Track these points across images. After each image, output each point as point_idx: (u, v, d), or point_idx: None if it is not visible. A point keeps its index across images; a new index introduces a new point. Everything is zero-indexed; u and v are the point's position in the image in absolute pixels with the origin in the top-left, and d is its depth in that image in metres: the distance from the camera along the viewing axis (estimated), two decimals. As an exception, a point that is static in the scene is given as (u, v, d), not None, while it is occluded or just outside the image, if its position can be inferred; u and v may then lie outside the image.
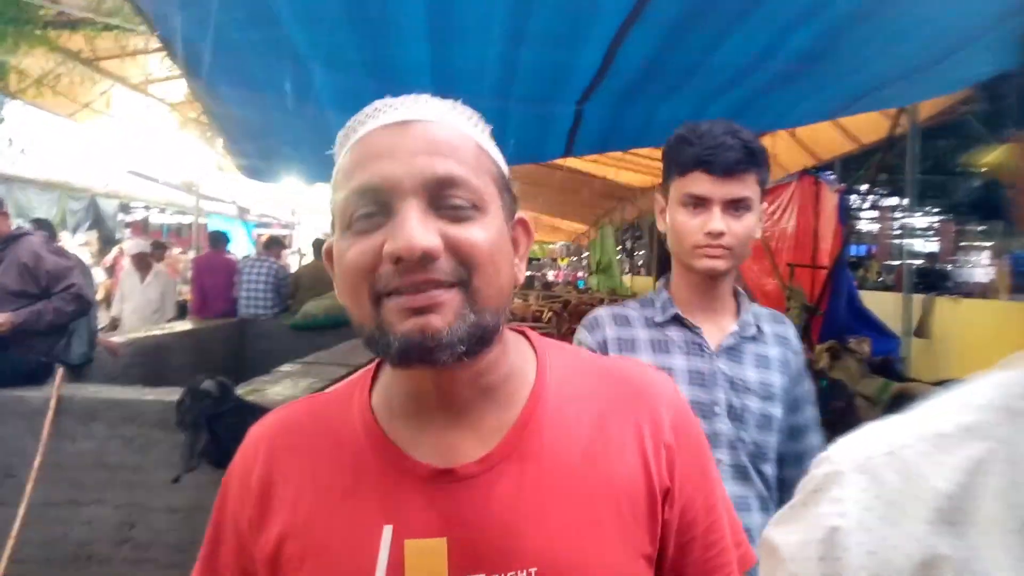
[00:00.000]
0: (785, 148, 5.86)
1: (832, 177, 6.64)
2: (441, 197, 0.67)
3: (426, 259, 0.64)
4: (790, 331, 1.56)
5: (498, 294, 0.70)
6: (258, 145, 3.73)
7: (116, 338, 5.20)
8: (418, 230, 0.64)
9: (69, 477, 3.51)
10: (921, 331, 6.32)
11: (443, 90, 2.75)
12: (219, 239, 8.20)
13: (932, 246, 11.94)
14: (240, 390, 3.45)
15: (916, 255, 5.12)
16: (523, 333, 0.86)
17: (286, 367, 4.30)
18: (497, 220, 0.72)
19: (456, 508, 0.72)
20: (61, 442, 3.53)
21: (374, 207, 0.67)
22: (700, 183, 1.41)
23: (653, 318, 1.53)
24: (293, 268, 9.94)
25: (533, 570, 0.70)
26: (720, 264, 1.43)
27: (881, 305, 7.02)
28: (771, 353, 1.50)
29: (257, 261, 7.93)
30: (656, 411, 0.81)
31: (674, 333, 1.50)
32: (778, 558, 0.59)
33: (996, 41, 2.49)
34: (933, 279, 10.06)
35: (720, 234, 1.40)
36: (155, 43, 5.40)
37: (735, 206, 1.41)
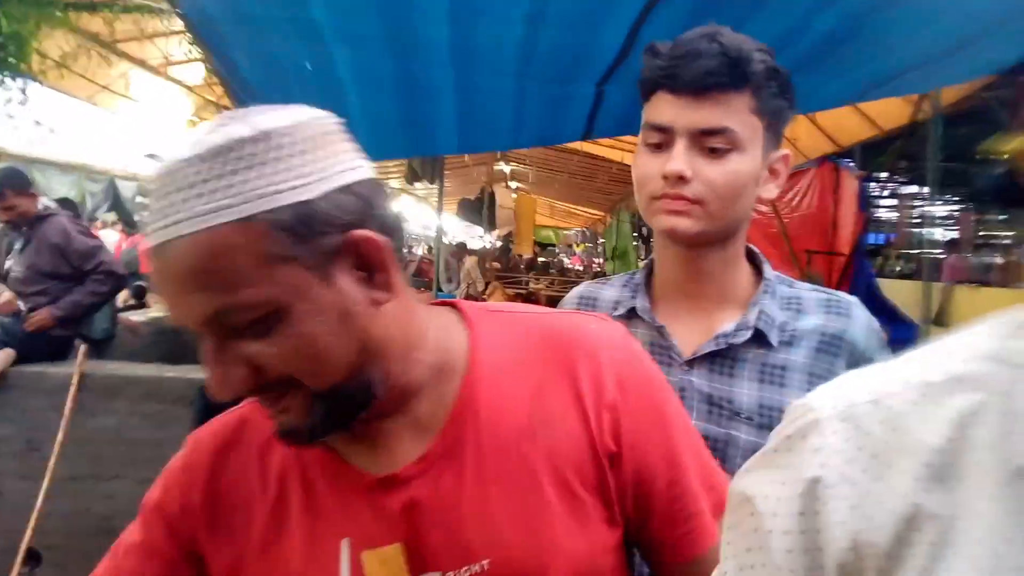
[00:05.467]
0: (805, 133, 5.82)
1: (852, 164, 6.57)
2: (223, 327, 0.62)
3: (247, 392, 0.65)
4: (855, 327, 1.06)
5: (335, 372, 0.65)
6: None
7: (137, 316, 5.26)
8: (217, 378, 0.64)
9: (91, 452, 3.57)
10: (940, 319, 6.30)
11: (462, 70, 2.74)
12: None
13: (952, 234, 11.82)
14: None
15: (936, 243, 5.06)
16: (456, 307, 0.83)
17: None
18: (304, 304, 0.62)
19: (404, 512, 0.72)
20: (83, 417, 3.59)
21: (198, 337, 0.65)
22: (662, 106, 1.02)
23: (617, 307, 1.17)
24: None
25: (486, 562, 0.71)
26: (683, 223, 1.01)
27: (900, 293, 6.98)
28: (796, 361, 1.05)
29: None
30: (597, 369, 0.77)
31: (638, 329, 1.13)
32: (750, 509, 0.55)
33: (1022, 28, 2.46)
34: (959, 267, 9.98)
35: (680, 178, 0.99)
36: (175, 25, 5.43)
37: (710, 139, 0.99)
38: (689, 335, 1.10)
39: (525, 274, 13.67)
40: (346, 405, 0.67)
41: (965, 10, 2.41)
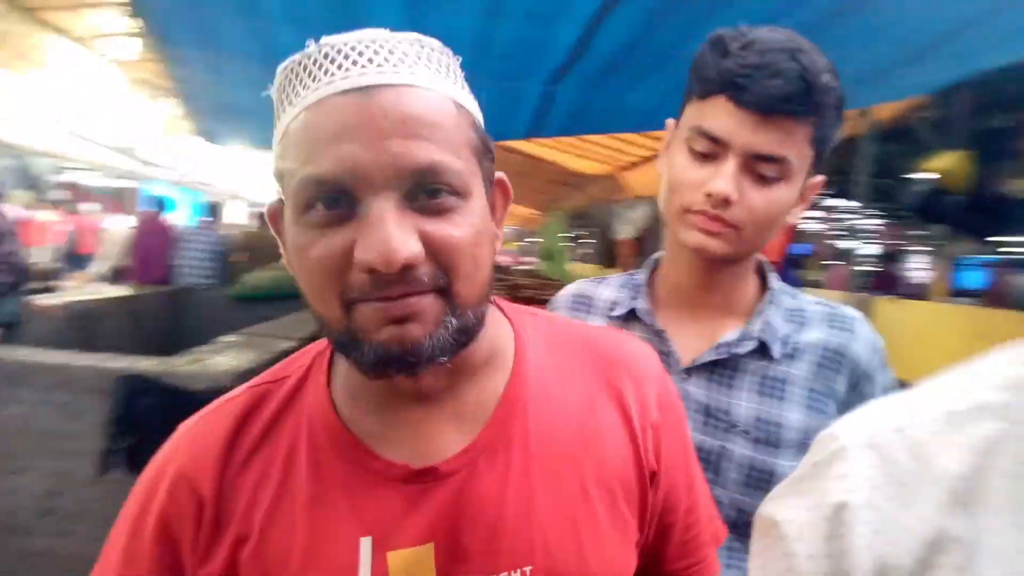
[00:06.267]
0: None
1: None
2: (419, 187, 0.57)
3: (407, 270, 0.56)
4: (857, 343, 1.02)
5: (481, 288, 0.62)
6: (216, 106, 3.60)
7: (50, 299, 4.97)
8: (397, 237, 0.55)
9: (-6, 443, 3.34)
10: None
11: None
12: (162, 205, 7.96)
13: (875, 248, 12.36)
14: (180, 360, 3.32)
15: (860, 256, 5.27)
16: (493, 302, 0.77)
17: (229, 338, 4.15)
18: (479, 200, 0.62)
19: (440, 509, 0.65)
20: (-14, 406, 3.35)
21: (337, 197, 0.57)
22: (719, 115, 0.93)
23: (615, 307, 1.12)
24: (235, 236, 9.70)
25: (527, 569, 0.65)
26: (714, 244, 0.96)
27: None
28: (797, 375, 1.01)
29: (199, 229, 7.72)
30: (643, 388, 0.75)
31: (636, 332, 1.08)
32: (777, 534, 0.57)
33: (954, 52, 2.56)
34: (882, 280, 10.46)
35: (725, 200, 0.93)
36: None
37: (763, 166, 0.92)
38: (689, 342, 1.05)
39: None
40: (465, 333, 0.62)
41: (902, 33, 2.50)
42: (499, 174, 0.69)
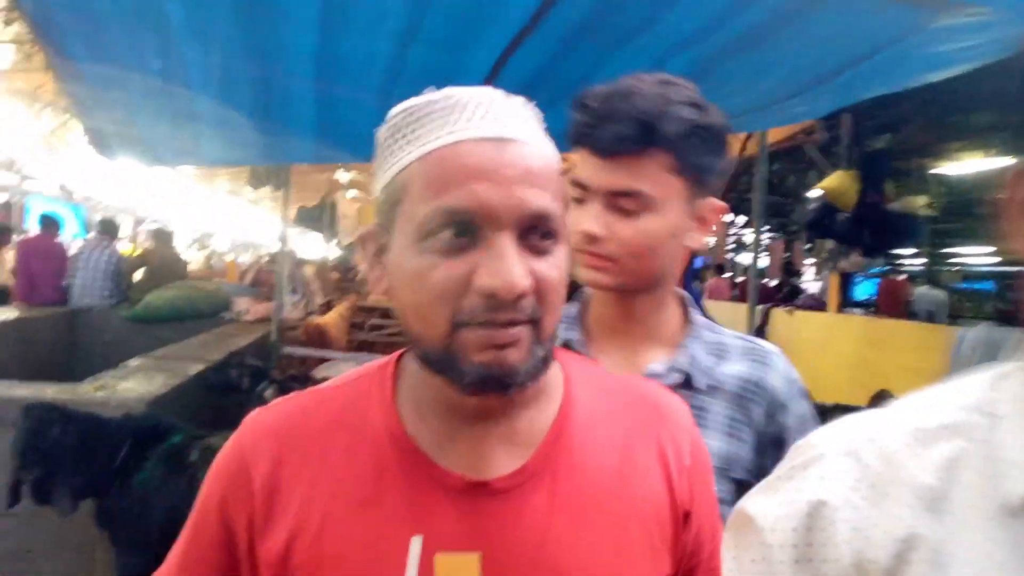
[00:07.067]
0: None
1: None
2: (532, 229, 0.65)
3: (519, 299, 0.63)
4: (773, 376, 1.10)
5: (557, 323, 0.70)
6: (113, 118, 3.46)
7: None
8: (517, 270, 0.62)
9: None
10: (760, 337, 6.85)
11: (327, 81, 2.66)
12: (52, 224, 7.51)
13: (769, 262, 12.98)
14: (86, 387, 3.17)
15: (754, 270, 5.59)
16: None
17: (135, 361, 3.99)
18: (566, 245, 0.70)
19: (489, 522, 0.69)
20: None
21: (463, 230, 0.64)
22: (582, 164, 1.05)
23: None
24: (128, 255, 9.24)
25: None
26: (601, 278, 1.06)
27: (723, 313, 7.54)
28: (718, 406, 1.08)
29: (95, 247, 7.31)
30: (677, 435, 0.81)
31: None
32: (753, 528, 0.62)
33: (839, 85, 2.78)
34: (786, 292, 10.99)
35: (592, 237, 1.03)
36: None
37: (623, 201, 1.02)
38: (618, 372, 1.08)
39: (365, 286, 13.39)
40: (546, 362, 0.69)
41: (794, 66, 2.68)
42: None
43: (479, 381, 0.64)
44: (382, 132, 0.71)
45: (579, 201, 1.06)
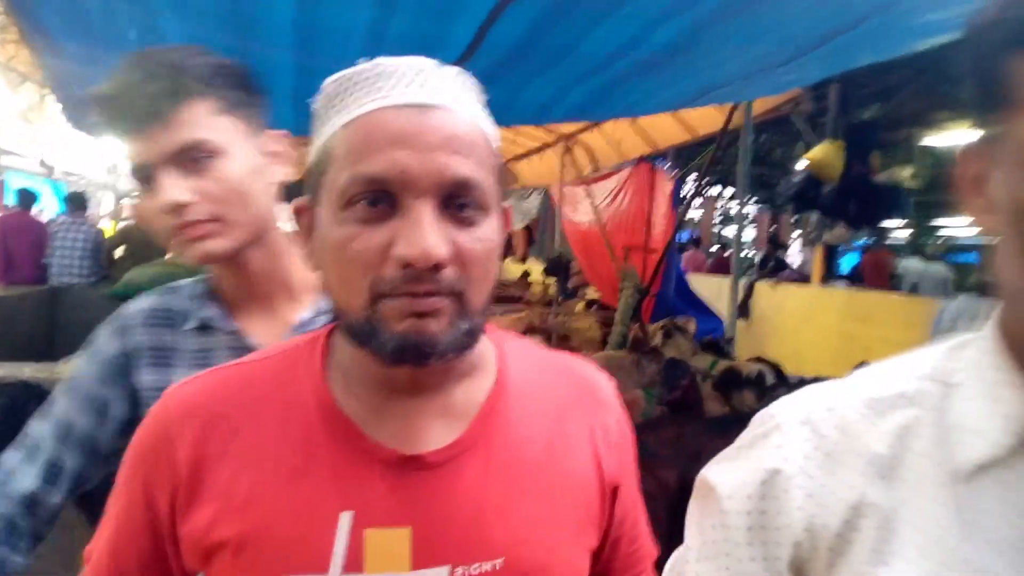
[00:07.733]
0: (626, 135, 6.10)
1: (667, 165, 7.00)
2: (452, 198, 0.64)
3: (437, 269, 0.62)
4: None
5: (486, 297, 0.69)
6: (89, 92, 3.38)
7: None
8: (433, 238, 0.61)
9: None
10: (743, 312, 6.88)
11: (306, 52, 2.60)
12: (28, 198, 7.38)
13: (754, 234, 13.00)
14: (66, 366, 3.12)
15: (737, 243, 5.60)
16: None
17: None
18: (496, 219, 0.69)
19: (421, 496, 0.69)
20: None
21: (380, 197, 0.63)
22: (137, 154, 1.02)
23: (188, 320, 1.11)
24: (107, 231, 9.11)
25: (499, 561, 0.69)
26: (214, 245, 1.02)
27: (708, 287, 7.57)
28: None
29: (72, 224, 7.19)
30: (606, 413, 0.83)
31: (213, 339, 1.09)
32: (713, 496, 0.65)
33: (826, 53, 2.73)
34: (773, 264, 10.97)
35: (182, 205, 0.98)
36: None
37: (192, 156, 0.99)
38: (267, 332, 1.09)
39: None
40: (472, 336, 0.68)
41: (784, 33, 2.64)
42: (505, 203, 0.75)
43: (398, 350, 0.64)
44: (316, 102, 0.70)
45: (147, 188, 1.01)
